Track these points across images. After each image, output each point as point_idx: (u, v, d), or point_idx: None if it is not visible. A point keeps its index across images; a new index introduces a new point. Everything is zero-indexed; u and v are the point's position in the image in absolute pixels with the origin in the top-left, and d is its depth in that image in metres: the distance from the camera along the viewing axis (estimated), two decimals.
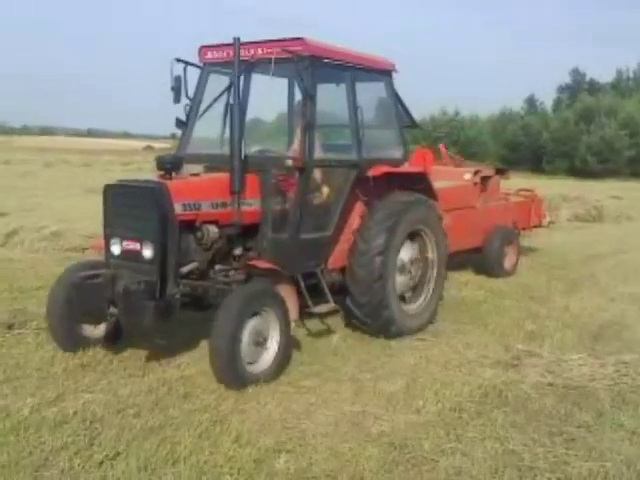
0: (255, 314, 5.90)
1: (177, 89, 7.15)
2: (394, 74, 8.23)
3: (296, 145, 7.21)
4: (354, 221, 7.56)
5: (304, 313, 6.99)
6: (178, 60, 7.05)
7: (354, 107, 7.43)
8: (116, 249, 6.25)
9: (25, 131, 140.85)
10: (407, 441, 4.94)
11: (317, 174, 7.26)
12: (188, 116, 7.50)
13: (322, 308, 7.10)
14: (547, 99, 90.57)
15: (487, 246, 11.22)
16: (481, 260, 11.38)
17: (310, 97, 6.83)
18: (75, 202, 19.53)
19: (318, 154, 7.15)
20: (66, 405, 5.29)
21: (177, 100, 7.21)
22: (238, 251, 6.85)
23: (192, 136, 7.63)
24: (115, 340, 6.60)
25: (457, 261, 11.16)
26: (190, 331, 7.06)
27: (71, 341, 6.43)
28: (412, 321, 7.76)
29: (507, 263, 11.44)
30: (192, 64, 7.33)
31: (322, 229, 7.34)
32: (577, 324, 8.39)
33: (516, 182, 15.25)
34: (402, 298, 7.80)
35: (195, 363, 6.35)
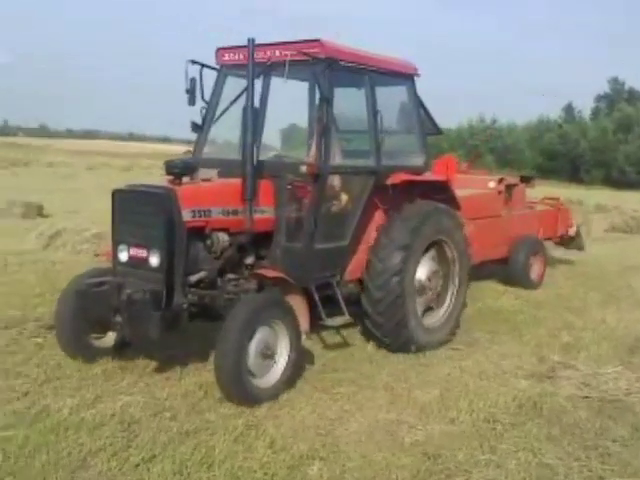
0: (263, 325, 5.71)
1: (192, 91, 7.02)
2: (416, 78, 7.98)
3: (314, 151, 6.95)
4: (372, 231, 7.35)
5: (317, 325, 6.84)
6: (193, 62, 6.93)
7: (373, 112, 7.18)
8: (123, 256, 6.10)
9: (69, 135, 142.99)
10: (441, 451, 4.94)
11: (334, 181, 7.06)
12: (204, 120, 7.40)
13: (336, 321, 6.86)
14: (585, 108, 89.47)
15: (513, 256, 10.99)
16: (507, 271, 11.17)
17: (327, 101, 6.61)
18: None
19: (337, 160, 6.99)
20: (104, 407, 5.38)
21: (192, 102, 7.08)
22: (250, 260, 6.65)
23: (208, 140, 7.52)
24: (125, 349, 6.50)
25: (493, 270, 11.12)
26: None
27: (79, 350, 6.30)
28: (432, 336, 7.47)
29: (533, 274, 11.20)
30: (208, 66, 7.22)
31: (338, 239, 7.09)
32: (613, 336, 8.29)
33: (554, 192, 15.11)
34: (421, 312, 7.53)
35: None
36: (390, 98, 7.89)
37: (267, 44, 6.84)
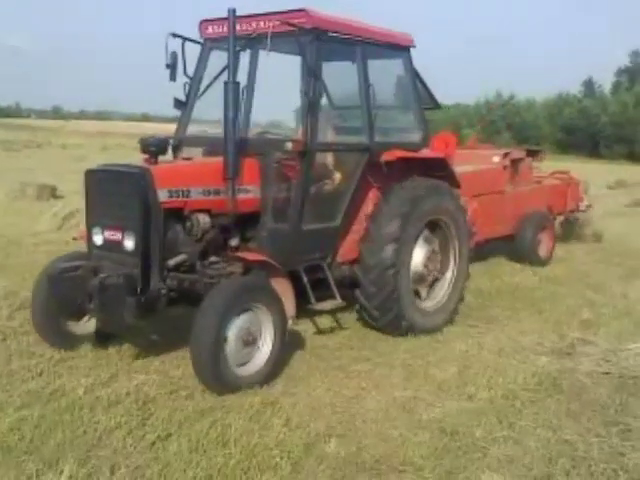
0: (245, 310, 5.43)
1: (173, 66, 6.63)
2: (412, 50, 7.52)
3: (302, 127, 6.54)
4: (366, 210, 7.00)
5: (306, 310, 6.61)
6: (175, 35, 6.59)
7: (365, 86, 6.79)
8: (98, 239, 5.84)
9: (82, 116, 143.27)
10: (458, 428, 4.88)
11: (323, 159, 6.80)
12: (188, 96, 7.03)
13: (325, 305, 6.56)
14: (605, 82, 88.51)
15: (519, 233, 10.75)
16: (514, 248, 10.95)
17: (314, 74, 6.27)
18: None
19: (330, 137, 6.72)
20: (119, 385, 5.38)
21: (173, 78, 6.68)
22: (235, 242, 6.34)
23: (192, 117, 7.15)
24: (107, 337, 6.20)
25: (511, 247, 10.99)
26: None
27: (56, 337, 6.05)
28: (427, 319, 7.15)
29: (542, 250, 10.97)
30: (191, 40, 6.88)
31: (329, 219, 6.78)
32: (634, 312, 8.19)
33: (573, 167, 14.94)
34: (417, 294, 7.21)
35: None
36: (384, 72, 7.53)
37: (250, 15, 6.52)
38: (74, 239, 8.82)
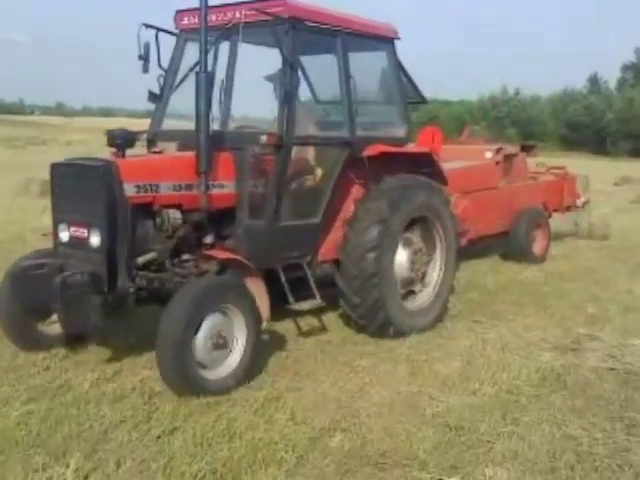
0: (213, 312, 5.20)
1: (146, 58, 6.39)
2: (397, 42, 7.30)
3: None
4: (348, 208, 6.77)
5: (284, 310, 6.38)
6: (147, 26, 6.36)
7: (346, 79, 6.56)
8: (64, 235, 5.61)
9: (86, 112, 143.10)
10: (463, 423, 4.88)
11: (302, 153, 6.60)
12: (162, 89, 6.76)
13: (304, 305, 6.33)
14: (611, 78, 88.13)
15: (513, 230, 10.52)
16: (507, 245, 10.74)
17: (290, 65, 6.05)
18: None
19: (311, 131, 6.59)
20: (125, 380, 5.40)
21: (146, 70, 6.44)
22: (210, 240, 6.09)
23: (166, 111, 6.94)
24: (79, 338, 6.00)
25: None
26: None
27: (25, 339, 5.84)
28: (415, 320, 6.90)
29: (536, 248, 10.75)
30: (165, 30, 6.66)
31: (308, 216, 6.55)
32: None
33: (578, 164, 14.89)
34: (403, 295, 6.98)
35: None
36: (367, 64, 7.35)
37: (225, 5, 6.34)
38: (43, 235, 8.35)
